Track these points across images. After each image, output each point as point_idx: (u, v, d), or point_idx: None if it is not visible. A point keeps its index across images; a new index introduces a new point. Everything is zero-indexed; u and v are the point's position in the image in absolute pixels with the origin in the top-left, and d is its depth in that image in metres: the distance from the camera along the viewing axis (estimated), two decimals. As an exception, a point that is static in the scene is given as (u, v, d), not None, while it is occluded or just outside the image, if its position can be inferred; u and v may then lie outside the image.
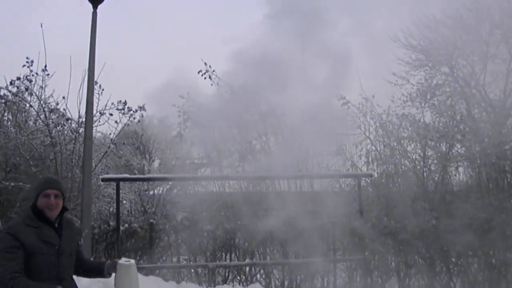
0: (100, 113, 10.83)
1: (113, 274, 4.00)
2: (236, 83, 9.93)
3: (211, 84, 11.23)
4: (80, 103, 10.58)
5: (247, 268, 9.76)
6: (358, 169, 10.87)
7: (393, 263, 9.90)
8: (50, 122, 10.40)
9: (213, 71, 11.24)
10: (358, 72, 11.05)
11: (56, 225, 3.83)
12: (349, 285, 9.77)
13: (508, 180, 10.85)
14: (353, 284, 9.76)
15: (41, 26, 11.28)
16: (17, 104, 10.52)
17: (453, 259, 9.84)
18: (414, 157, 11.00)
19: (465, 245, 9.57)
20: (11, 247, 3.53)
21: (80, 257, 4.12)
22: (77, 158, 10.51)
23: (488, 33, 13.05)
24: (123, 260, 3.94)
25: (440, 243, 9.59)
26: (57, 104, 10.65)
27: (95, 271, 4.14)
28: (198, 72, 11.18)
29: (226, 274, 9.73)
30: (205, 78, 11.20)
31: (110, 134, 11.55)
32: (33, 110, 10.67)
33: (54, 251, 3.71)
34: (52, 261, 3.68)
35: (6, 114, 10.57)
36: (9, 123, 10.61)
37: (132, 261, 3.96)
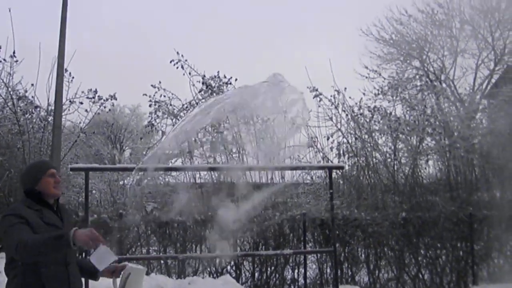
0: (70, 101, 10.61)
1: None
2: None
3: (183, 74, 11.09)
4: (49, 91, 10.38)
5: (217, 260, 9.74)
6: (330, 161, 10.89)
7: (363, 255, 9.99)
8: (18, 110, 10.17)
9: (186, 60, 11.09)
10: (331, 64, 11.17)
11: (55, 208, 3.69)
12: (319, 276, 9.84)
13: (476, 173, 11.04)
14: (323, 276, 9.82)
15: (9, 10, 11.01)
16: (-17, 91, 10.28)
17: (422, 251, 9.97)
18: (385, 150, 11.10)
19: (434, 238, 9.73)
20: (17, 222, 3.35)
21: None
22: (45, 147, 10.32)
23: (459, 28, 13.27)
24: (130, 265, 3.68)
25: (409, 235, 9.72)
26: (26, 91, 10.44)
27: (88, 270, 3.78)
28: (170, 62, 11.03)
29: (196, 266, 9.69)
30: (177, 68, 11.05)
31: (80, 123, 11.33)
32: (0, 97, 10.43)
33: None
34: None
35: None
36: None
37: (141, 267, 3.73)
